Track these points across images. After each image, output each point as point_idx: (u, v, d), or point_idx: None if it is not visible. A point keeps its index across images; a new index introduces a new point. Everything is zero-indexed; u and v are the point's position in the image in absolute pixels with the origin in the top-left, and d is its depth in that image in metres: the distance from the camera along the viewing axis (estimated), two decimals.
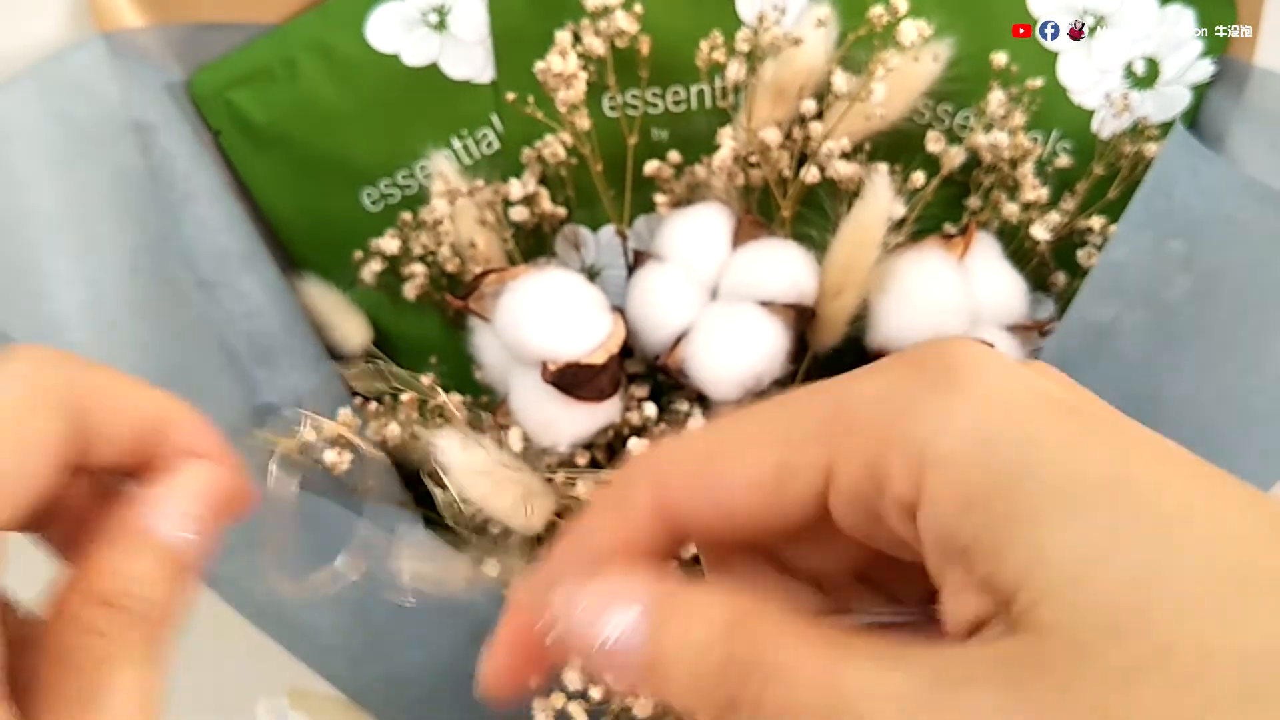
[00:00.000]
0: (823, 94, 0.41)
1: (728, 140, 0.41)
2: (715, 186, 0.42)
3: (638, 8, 0.41)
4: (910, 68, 0.40)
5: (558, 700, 0.40)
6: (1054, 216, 0.42)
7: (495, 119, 0.45)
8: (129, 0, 0.42)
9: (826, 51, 0.40)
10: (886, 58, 0.39)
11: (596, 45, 0.41)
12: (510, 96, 0.43)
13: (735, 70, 0.41)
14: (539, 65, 0.40)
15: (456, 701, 0.44)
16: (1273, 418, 0.33)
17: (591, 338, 0.38)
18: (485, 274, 0.40)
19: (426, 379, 0.44)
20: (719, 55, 0.41)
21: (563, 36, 0.41)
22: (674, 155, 0.44)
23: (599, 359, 0.38)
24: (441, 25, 0.44)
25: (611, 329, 0.39)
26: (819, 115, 0.41)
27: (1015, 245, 0.42)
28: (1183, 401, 0.34)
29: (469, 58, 0.44)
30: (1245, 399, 0.33)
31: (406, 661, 0.43)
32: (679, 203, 0.43)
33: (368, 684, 0.43)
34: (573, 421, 0.39)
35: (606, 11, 0.41)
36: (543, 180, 0.45)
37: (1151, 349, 0.34)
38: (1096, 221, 0.42)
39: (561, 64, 0.40)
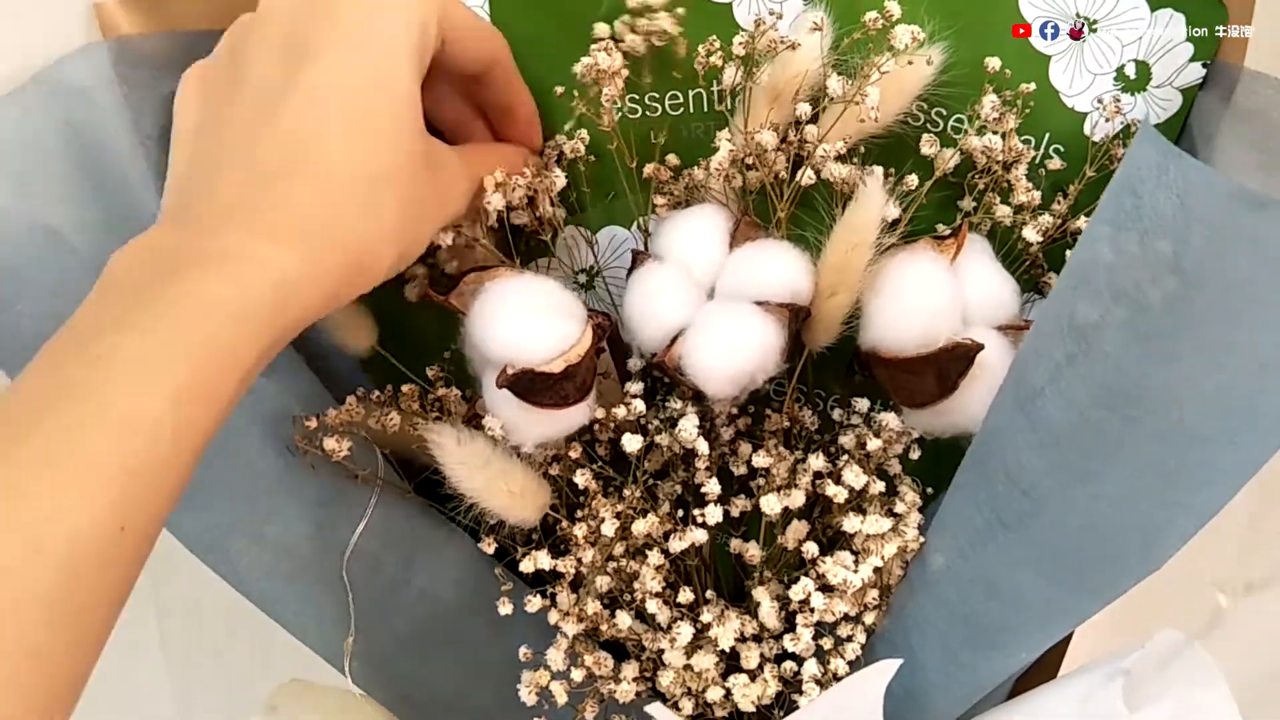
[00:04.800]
0: (818, 98, 0.41)
1: (725, 143, 0.42)
2: (713, 188, 0.43)
3: (680, 10, 0.42)
4: (904, 71, 0.41)
5: (543, 677, 0.41)
6: (1045, 219, 0.42)
7: None
8: (132, 8, 0.43)
9: (822, 56, 0.41)
10: (879, 61, 0.39)
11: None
12: (559, 90, 0.44)
13: (732, 74, 0.42)
14: (584, 61, 0.41)
15: (459, 659, 0.45)
16: (1244, 412, 0.33)
17: (551, 346, 0.39)
18: (468, 271, 0.41)
19: (433, 371, 0.44)
20: (716, 59, 0.41)
21: (602, 29, 0.42)
22: (672, 158, 0.44)
23: (556, 368, 0.38)
24: None
25: (577, 339, 0.39)
26: (814, 119, 0.42)
27: (1008, 247, 0.43)
28: (1157, 397, 0.34)
29: None
30: (1217, 394, 0.33)
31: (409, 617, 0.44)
32: (678, 204, 0.44)
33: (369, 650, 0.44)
34: (534, 424, 0.40)
35: (647, 11, 0.42)
36: None
37: (1124, 345, 0.34)
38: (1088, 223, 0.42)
39: (608, 60, 0.41)
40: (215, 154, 0.34)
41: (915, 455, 0.43)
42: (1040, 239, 0.42)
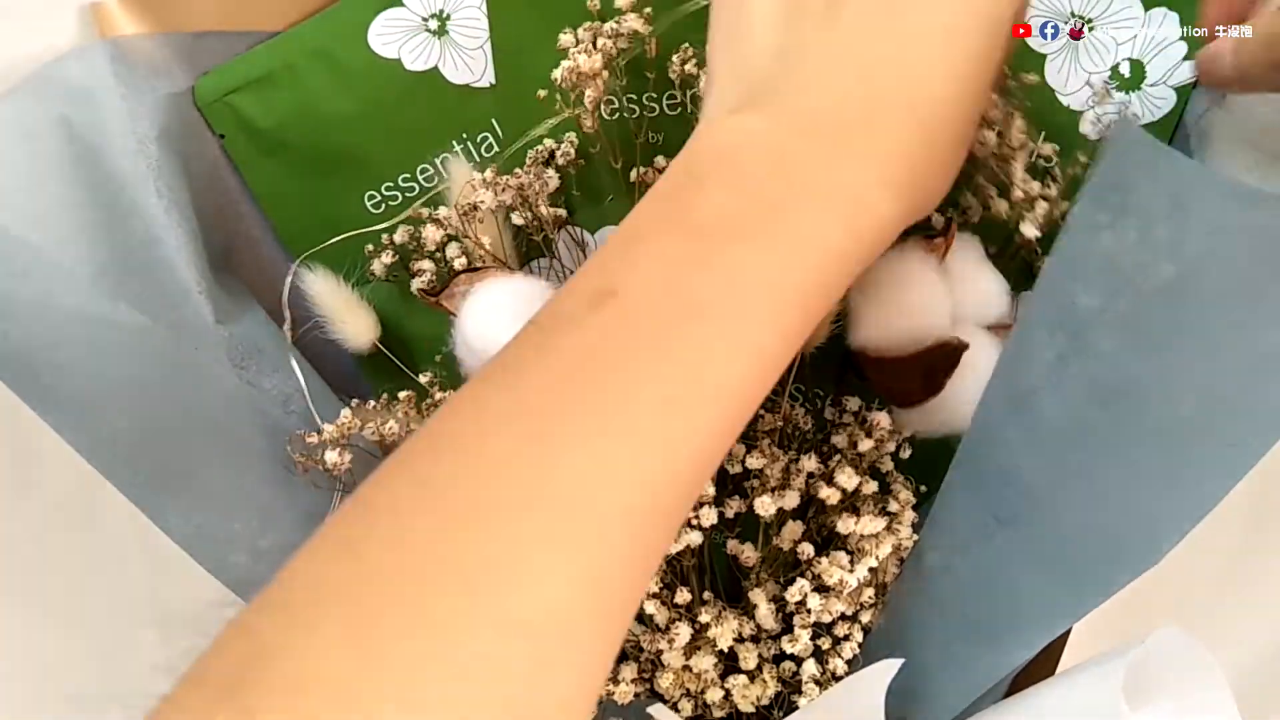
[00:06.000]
0: None
1: None
2: None
3: (647, 10, 0.42)
4: None
5: None
6: (1041, 208, 0.42)
7: (495, 123, 0.46)
8: (131, 8, 0.43)
9: None
10: None
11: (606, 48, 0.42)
12: (541, 94, 0.44)
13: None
14: (565, 65, 0.41)
15: None
16: (1236, 408, 0.33)
17: None
18: (460, 272, 0.41)
19: (425, 377, 0.44)
20: (690, 67, 0.41)
21: (583, 35, 0.42)
22: (660, 160, 0.44)
23: None
24: (442, 31, 0.45)
25: None
26: None
27: (1003, 243, 0.43)
28: (1148, 392, 0.34)
29: (469, 63, 0.45)
30: (1208, 389, 0.33)
31: None
32: None
33: None
34: None
35: (618, 14, 0.42)
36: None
37: (1118, 341, 0.34)
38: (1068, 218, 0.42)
39: (588, 62, 0.41)
40: (816, 47, 0.32)
41: (906, 454, 0.43)
42: (1038, 234, 0.42)
